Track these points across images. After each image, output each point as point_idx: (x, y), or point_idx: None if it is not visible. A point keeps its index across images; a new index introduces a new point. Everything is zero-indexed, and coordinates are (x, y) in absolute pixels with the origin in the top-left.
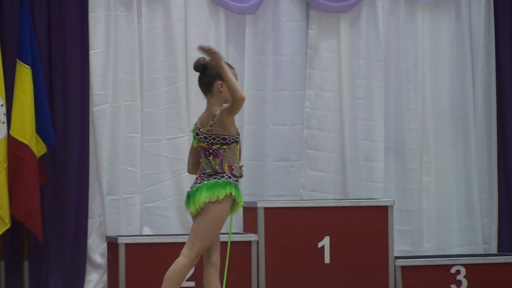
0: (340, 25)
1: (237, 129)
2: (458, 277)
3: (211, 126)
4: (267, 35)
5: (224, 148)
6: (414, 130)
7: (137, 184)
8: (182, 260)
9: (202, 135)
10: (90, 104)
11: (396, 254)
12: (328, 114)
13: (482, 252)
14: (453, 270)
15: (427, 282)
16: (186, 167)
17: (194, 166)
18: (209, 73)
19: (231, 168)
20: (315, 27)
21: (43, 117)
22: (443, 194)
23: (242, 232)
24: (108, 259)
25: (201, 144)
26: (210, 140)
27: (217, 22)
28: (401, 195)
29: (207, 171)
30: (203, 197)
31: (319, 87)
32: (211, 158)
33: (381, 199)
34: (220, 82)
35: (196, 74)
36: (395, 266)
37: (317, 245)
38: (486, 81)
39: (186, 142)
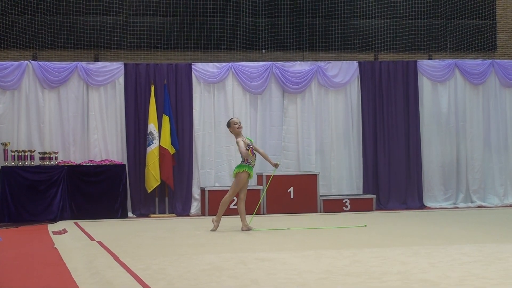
0: (297, 99)
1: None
2: (346, 203)
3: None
4: (265, 104)
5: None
6: (323, 145)
7: (212, 165)
8: (226, 196)
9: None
10: (193, 131)
11: (320, 194)
12: (291, 136)
13: (355, 193)
14: (344, 201)
15: (336, 207)
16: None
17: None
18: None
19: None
20: (286, 100)
21: (173, 136)
22: (344, 169)
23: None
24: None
25: None
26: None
27: (245, 98)
28: (322, 170)
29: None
30: (234, 170)
31: (287, 125)
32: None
33: (314, 171)
34: (229, 128)
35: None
36: (319, 199)
37: (288, 191)
38: (358, 119)
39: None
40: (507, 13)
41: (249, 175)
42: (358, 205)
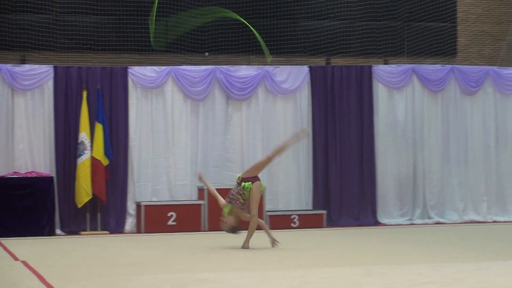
0: (242, 107)
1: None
2: (294, 220)
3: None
4: (208, 112)
5: None
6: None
7: (149, 178)
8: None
9: None
10: (129, 141)
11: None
12: (235, 146)
13: (305, 208)
14: (292, 217)
15: (283, 224)
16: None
17: None
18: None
19: None
20: (231, 107)
21: (106, 146)
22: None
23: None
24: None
25: None
26: None
27: (186, 105)
28: (269, 183)
29: None
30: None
31: (232, 134)
32: None
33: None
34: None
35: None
36: (265, 215)
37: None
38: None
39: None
40: (469, 16)
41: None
42: (307, 222)
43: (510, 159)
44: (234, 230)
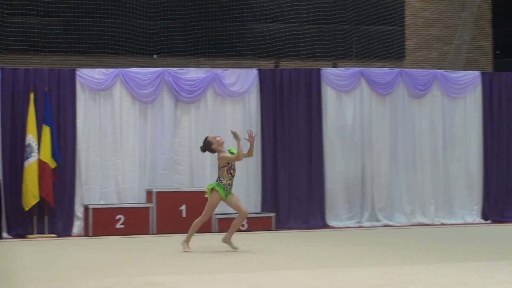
0: (191, 109)
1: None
2: (243, 222)
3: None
4: (156, 114)
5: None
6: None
7: (97, 181)
8: (198, 219)
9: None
10: (76, 143)
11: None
12: (184, 149)
13: (253, 211)
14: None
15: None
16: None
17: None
18: (207, 147)
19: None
20: (179, 110)
21: (54, 149)
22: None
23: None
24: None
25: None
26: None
27: (135, 108)
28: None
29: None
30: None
31: (180, 137)
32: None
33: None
34: (212, 144)
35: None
36: (214, 218)
37: (180, 209)
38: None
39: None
40: (417, 19)
41: (220, 195)
42: (256, 224)
43: (458, 162)
44: None
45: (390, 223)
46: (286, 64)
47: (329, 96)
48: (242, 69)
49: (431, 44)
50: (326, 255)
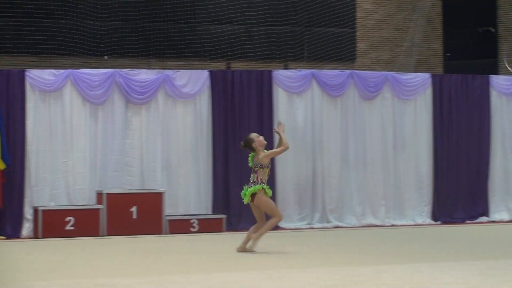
0: (142, 111)
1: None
2: (194, 224)
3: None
4: (107, 116)
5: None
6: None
7: (47, 182)
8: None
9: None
10: (26, 145)
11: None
12: (135, 151)
13: (205, 212)
14: (192, 221)
15: (183, 228)
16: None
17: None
18: (248, 144)
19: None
20: (130, 111)
21: (3, 150)
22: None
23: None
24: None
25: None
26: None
27: (85, 109)
28: (168, 187)
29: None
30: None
31: (131, 139)
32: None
33: (159, 189)
34: (254, 143)
35: None
36: (165, 219)
37: (130, 210)
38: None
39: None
40: (368, 21)
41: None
42: (207, 226)
43: (408, 163)
44: None
45: (340, 224)
46: (238, 66)
47: (280, 97)
48: (193, 70)
49: (382, 46)
50: (276, 257)
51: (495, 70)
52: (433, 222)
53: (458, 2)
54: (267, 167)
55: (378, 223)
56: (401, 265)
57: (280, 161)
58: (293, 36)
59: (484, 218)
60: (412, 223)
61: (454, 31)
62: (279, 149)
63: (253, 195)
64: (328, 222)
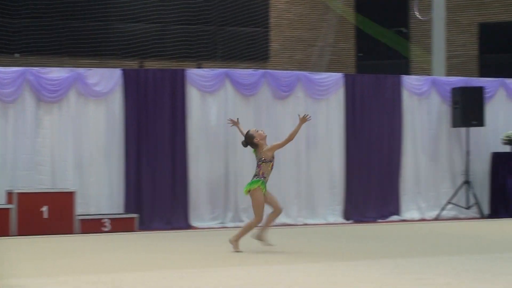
0: (53, 109)
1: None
2: (106, 223)
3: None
4: (18, 114)
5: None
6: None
7: None
8: (253, 221)
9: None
10: None
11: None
12: (46, 149)
13: (117, 212)
14: (103, 221)
15: (94, 228)
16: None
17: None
18: (250, 141)
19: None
20: (41, 110)
21: None
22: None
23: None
24: None
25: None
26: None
27: None
28: (80, 187)
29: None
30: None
31: (42, 137)
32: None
33: (70, 188)
34: (255, 139)
35: None
36: (76, 219)
37: (41, 210)
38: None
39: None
40: (281, 21)
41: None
42: (119, 225)
43: (320, 163)
44: None
45: None
46: (151, 65)
47: (193, 96)
48: (106, 69)
49: (295, 45)
50: (189, 256)
51: (407, 70)
52: (345, 221)
53: (371, 2)
54: (270, 161)
55: (291, 222)
56: (314, 264)
57: (192, 160)
58: (207, 35)
59: (395, 217)
60: (324, 222)
61: (366, 32)
62: (281, 141)
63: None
64: (241, 221)
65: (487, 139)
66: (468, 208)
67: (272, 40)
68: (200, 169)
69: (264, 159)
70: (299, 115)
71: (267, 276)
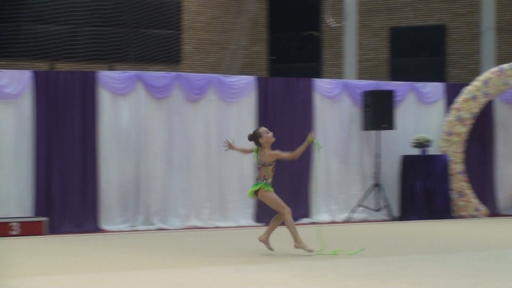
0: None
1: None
2: (14, 227)
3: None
4: None
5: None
6: None
7: None
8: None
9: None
10: None
11: None
12: None
13: (26, 215)
14: (11, 224)
15: (2, 232)
16: None
17: (244, 151)
18: (255, 138)
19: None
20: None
21: None
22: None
23: None
24: None
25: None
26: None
27: None
28: None
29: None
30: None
31: None
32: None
33: None
34: (261, 139)
35: None
36: None
37: None
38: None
39: None
40: (195, 24)
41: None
42: (28, 229)
43: (231, 166)
44: None
45: (164, 226)
46: (62, 66)
47: (105, 99)
48: (16, 70)
49: (208, 48)
50: (98, 259)
51: (319, 73)
52: (256, 224)
53: (283, 6)
54: (271, 165)
55: (202, 225)
56: (223, 267)
57: (103, 163)
58: (119, 37)
59: (306, 220)
60: (235, 225)
61: (279, 35)
62: (286, 155)
63: (256, 191)
64: (152, 224)
65: (397, 142)
66: (378, 210)
67: (184, 42)
68: (111, 172)
69: (264, 163)
70: (309, 135)
71: (176, 279)
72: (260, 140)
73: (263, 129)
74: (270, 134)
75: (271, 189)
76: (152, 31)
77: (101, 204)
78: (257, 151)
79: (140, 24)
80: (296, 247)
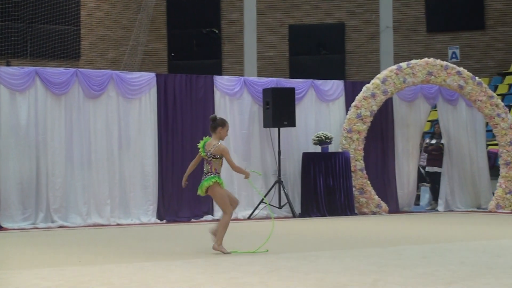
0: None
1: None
2: None
3: (211, 149)
4: None
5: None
6: None
7: None
8: (226, 217)
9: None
10: None
11: None
12: None
13: None
14: None
15: None
16: None
17: (193, 165)
18: (216, 123)
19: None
20: None
21: None
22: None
23: None
24: None
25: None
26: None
27: None
28: None
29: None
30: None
31: None
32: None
33: None
34: (220, 128)
35: None
36: None
37: None
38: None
39: None
40: (92, 19)
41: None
42: None
43: (133, 163)
44: None
45: (65, 224)
46: None
47: (2, 95)
48: None
49: (107, 44)
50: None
51: (219, 70)
52: (158, 221)
53: (182, 2)
54: (220, 157)
55: (104, 222)
56: (126, 264)
57: (2, 160)
58: (16, 32)
59: (209, 217)
60: (138, 222)
61: (178, 32)
62: (231, 160)
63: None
64: (53, 221)
65: (298, 139)
66: (280, 207)
67: (83, 38)
68: (11, 169)
69: (214, 155)
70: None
71: (79, 277)
72: (220, 129)
73: (227, 123)
74: (227, 131)
75: (222, 184)
76: (50, 26)
77: (1, 201)
78: (203, 146)
79: (38, 19)
80: (214, 248)
